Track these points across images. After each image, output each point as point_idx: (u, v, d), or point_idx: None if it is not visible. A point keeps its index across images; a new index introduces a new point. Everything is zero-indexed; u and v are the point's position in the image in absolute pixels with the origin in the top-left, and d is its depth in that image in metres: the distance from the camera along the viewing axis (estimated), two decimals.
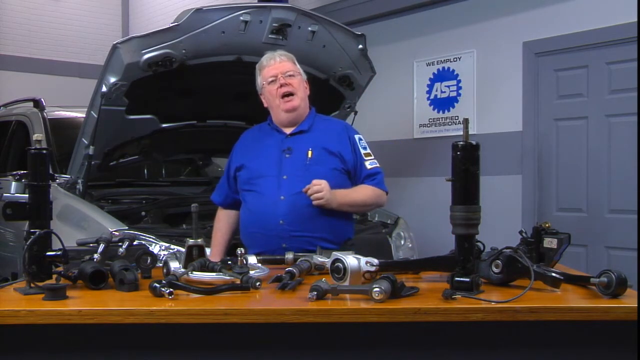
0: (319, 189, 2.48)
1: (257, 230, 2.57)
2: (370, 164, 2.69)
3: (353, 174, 2.66)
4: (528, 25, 4.77)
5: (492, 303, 1.63)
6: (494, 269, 1.84)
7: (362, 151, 2.69)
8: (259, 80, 2.68)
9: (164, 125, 3.89)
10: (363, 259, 1.88)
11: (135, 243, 2.07)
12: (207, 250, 2.04)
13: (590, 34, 4.40)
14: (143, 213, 3.75)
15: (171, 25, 3.23)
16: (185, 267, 1.91)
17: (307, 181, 2.55)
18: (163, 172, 4.93)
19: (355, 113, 4.18)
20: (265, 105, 2.70)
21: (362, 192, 2.67)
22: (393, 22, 5.74)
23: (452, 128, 5.27)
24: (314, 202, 2.49)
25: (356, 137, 2.72)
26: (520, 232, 2.10)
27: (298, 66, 2.68)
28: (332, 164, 2.61)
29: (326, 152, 2.62)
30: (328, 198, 2.50)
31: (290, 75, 2.62)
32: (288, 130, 2.67)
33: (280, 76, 2.60)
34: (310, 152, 2.59)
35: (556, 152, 4.69)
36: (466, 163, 1.75)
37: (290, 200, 2.54)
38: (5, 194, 3.86)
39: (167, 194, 4.13)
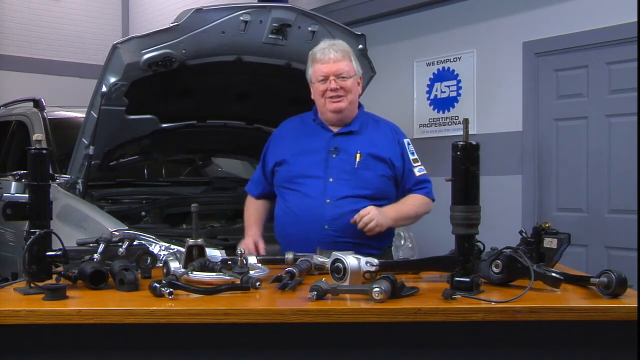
0: (369, 218, 2.36)
1: (298, 233, 2.46)
2: (418, 170, 2.60)
3: (400, 180, 2.58)
4: (528, 25, 4.77)
5: (492, 303, 1.63)
6: (494, 269, 1.84)
7: (411, 157, 2.60)
8: (309, 72, 2.55)
9: (164, 125, 3.89)
10: (363, 259, 1.88)
11: (135, 243, 2.07)
12: (207, 251, 2.04)
13: (590, 34, 4.40)
14: (143, 213, 3.75)
15: (171, 25, 3.23)
16: (185, 267, 1.91)
17: (354, 186, 2.47)
18: (163, 172, 4.93)
19: None
20: (313, 97, 2.58)
21: (413, 203, 2.57)
22: (393, 22, 5.74)
23: (452, 128, 5.27)
24: (369, 233, 2.37)
25: (405, 141, 2.63)
26: (520, 232, 2.10)
27: (354, 62, 2.54)
28: (380, 170, 2.52)
29: (375, 157, 2.52)
30: (381, 222, 2.38)
31: (342, 78, 2.48)
32: (335, 129, 2.56)
33: (332, 78, 2.46)
34: (359, 155, 2.49)
35: (556, 152, 4.69)
36: (466, 163, 1.75)
37: (336, 204, 2.45)
38: (5, 194, 3.85)
39: (167, 194, 4.13)
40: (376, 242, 2.49)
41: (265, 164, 2.66)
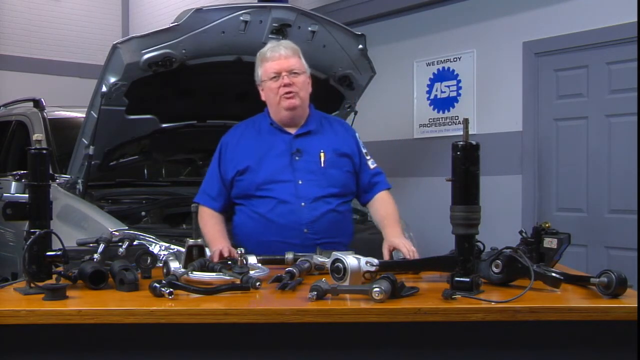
0: (410, 247, 2.35)
1: (278, 239, 2.41)
2: (371, 163, 2.65)
3: (358, 174, 2.61)
4: (528, 25, 4.77)
5: (492, 303, 1.63)
6: (494, 269, 1.84)
7: (363, 150, 2.65)
8: (259, 72, 2.53)
9: (164, 125, 3.89)
10: (363, 259, 1.88)
11: (135, 243, 2.07)
12: (207, 250, 2.04)
13: (590, 34, 4.40)
14: (143, 213, 3.75)
15: (171, 25, 3.23)
16: (185, 267, 1.91)
17: (323, 185, 2.47)
18: (163, 172, 4.93)
19: (355, 113, 4.18)
20: (263, 98, 2.57)
21: (393, 205, 2.62)
22: (393, 22, 5.74)
23: (452, 128, 5.27)
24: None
25: (357, 135, 2.68)
26: (520, 232, 2.10)
27: (303, 60, 2.54)
28: (346, 167, 2.54)
29: (339, 154, 2.54)
30: (405, 243, 2.39)
31: (294, 73, 2.46)
32: (293, 130, 2.55)
33: (284, 74, 2.44)
34: (323, 155, 2.50)
35: (556, 152, 4.69)
36: (466, 163, 1.75)
37: (311, 207, 2.44)
38: (5, 194, 3.86)
39: (167, 194, 4.12)
40: (345, 238, 2.56)
41: (224, 173, 2.56)
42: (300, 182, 2.47)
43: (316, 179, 2.48)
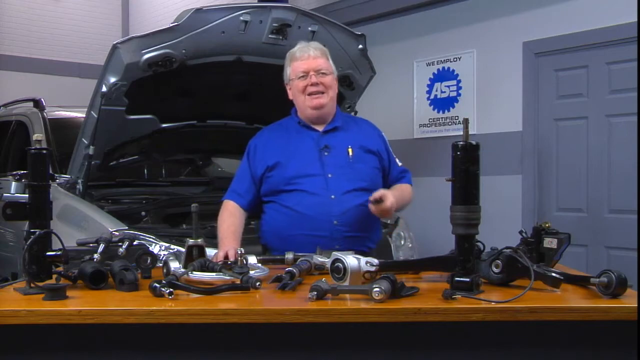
0: (389, 200, 2.38)
1: (306, 232, 2.43)
2: (399, 161, 2.70)
3: (387, 171, 2.65)
4: (528, 25, 4.78)
5: (492, 303, 1.63)
6: (494, 269, 1.84)
7: (390, 149, 2.70)
8: (288, 72, 2.58)
9: (164, 125, 3.89)
10: (363, 259, 1.88)
11: (135, 243, 2.07)
12: (207, 251, 2.04)
13: (590, 34, 4.40)
14: (143, 213, 3.75)
15: (171, 25, 3.23)
16: (185, 267, 1.91)
17: (353, 179, 2.50)
18: (163, 172, 4.93)
19: (355, 113, 4.18)
20: (291, 97, 2.61)
21: (407, 192, 2.66)
22: (393, 22, 5.74)
23: (452, 128, 5.27)
24: (384, 215, 2.43)
25: (383, 134, 2.72)
26: (520, 232, 2.10)
27: (331, 62, 2.58)
28: (372, 163, 2.58)
29: (365, 151, 2.58)
30: (394, 203, 2.41)
31: (322, 74, 2.51)
32: (320, 128, 2.58)
33: (312, 74, 2.49)
34: (351, 150, 2.54)
35: (556, 152, 4.69)
36: (466, 163, 1.75)
37: (341, 199, 2.46)
38: (5, 194, 3.86)
39: (167, 194, 4.13)
40: (376, 235, 2.58)
41: (254, 170, 2.58)
42: (330, 176, 2.50)
43: (345, 173, 2.51)
